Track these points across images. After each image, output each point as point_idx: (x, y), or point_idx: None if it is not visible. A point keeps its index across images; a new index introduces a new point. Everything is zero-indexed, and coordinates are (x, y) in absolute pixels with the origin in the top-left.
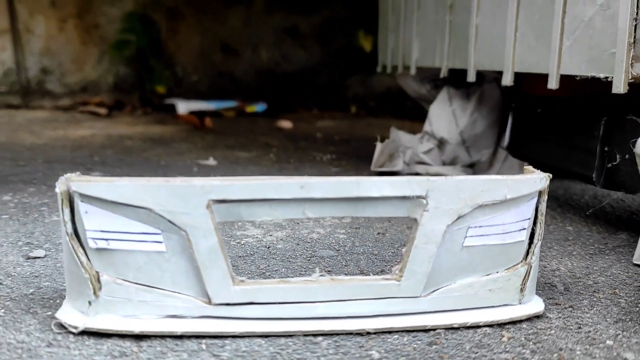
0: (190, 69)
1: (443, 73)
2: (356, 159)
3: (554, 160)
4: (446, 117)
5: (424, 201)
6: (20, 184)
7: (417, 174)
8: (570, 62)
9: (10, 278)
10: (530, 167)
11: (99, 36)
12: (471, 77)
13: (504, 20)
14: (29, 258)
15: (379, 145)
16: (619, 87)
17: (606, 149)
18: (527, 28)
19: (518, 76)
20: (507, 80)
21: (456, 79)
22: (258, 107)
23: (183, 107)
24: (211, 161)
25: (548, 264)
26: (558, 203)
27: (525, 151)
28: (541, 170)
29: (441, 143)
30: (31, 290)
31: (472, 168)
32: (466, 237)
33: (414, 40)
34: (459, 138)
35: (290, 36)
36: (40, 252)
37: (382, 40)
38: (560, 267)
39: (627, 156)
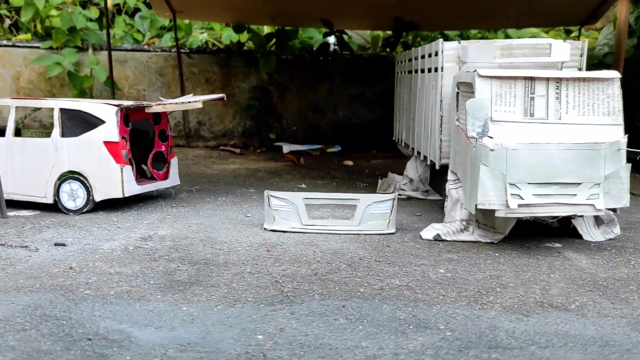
0: (291, 122)
1: (412, 149)
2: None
3: (440, 193)
4: (413, 168)
5: (357, 202)
6: (224, 194)
7: (399, 195)
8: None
9: (245, 219)
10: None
11: (234, 101)
12: (422, 156)
13: (428, 131)
14: (246, 216)
15: (380, 181)
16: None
17: None
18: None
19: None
20: (429, 161)
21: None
22: (335, 149)
23: (286, 148)
24: (303, 185)
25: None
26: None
27: (434, 186)
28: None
29: (410, 180)
30: (252, 221)
31: (426, 192)
32: (370, 211)
33: (402, 130)
34: (419, 178)
35: (359, 100)
36: (250, 215)
37: (395, 124)
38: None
39: None
